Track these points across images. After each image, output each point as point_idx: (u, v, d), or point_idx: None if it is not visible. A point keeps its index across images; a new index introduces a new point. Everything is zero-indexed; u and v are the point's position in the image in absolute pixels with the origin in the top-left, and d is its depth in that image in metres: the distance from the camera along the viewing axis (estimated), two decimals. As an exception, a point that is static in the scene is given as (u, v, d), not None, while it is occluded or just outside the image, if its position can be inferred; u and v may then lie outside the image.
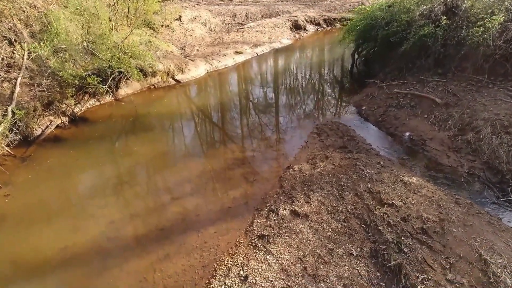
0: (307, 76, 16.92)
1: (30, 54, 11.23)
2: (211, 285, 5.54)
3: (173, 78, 14.83)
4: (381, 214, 6.84)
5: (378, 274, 5.70)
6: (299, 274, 5.63)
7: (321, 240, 6.31)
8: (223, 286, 5.48)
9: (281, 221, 6.77)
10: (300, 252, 6.06)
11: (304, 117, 11.94)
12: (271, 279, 5.53)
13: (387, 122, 10.91)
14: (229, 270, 5.77)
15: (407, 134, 10.17)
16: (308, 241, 6.30)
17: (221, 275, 5.71)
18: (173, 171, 9.03)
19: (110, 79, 12.38)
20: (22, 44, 11.19)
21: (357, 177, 8.01)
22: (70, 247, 6.47)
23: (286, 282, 5.47)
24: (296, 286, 5.43)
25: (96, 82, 11.03)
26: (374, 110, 11.71)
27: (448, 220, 6.45)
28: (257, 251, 6.11)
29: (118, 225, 6.98)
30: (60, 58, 10.94)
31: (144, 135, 10.81)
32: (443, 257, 5.82)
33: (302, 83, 16.05)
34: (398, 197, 7.23)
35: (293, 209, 7.06)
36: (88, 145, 10.04)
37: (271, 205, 7.26)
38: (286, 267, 5.76)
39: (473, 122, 9.54)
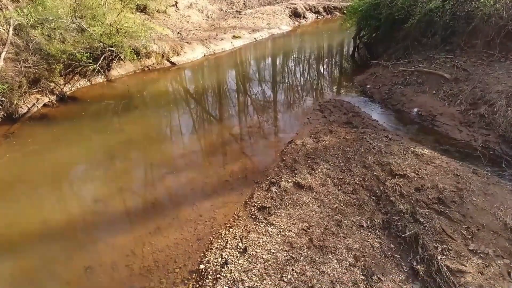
0: (308, 60, 16.34)
1: (16, 29, 10.57)
2: (206, 258, 4.93)
3: (168, 60, 14.20)
4: (392, 185, 6.25)
5: (392, 246, 5.10)
6: (305, 245, 5.03)
7: (328, 212, 5.71)
8: (220, 259, 4.87)
9: (283, 193, 6.16)
10: (305, 224, 5.46)
11: (305, 96, 11.37)
12: (273, 251, 4.93)
13: (393, 99, 10.33)
14: (227, 242, 5.16)
15: (415, 110, 9.58)
16: (314, 213, 5.70)
17: (217, 247, 5.10)
18: (166, 147, 8.43)
19: (101, 58, 11.76)
20: (7, 18, 10.54)
21: (365, 149, 7.42)
22: (51, 222, 5.85)
23: (290, 254, 4.87)
24: (302, 257, 4.82)
25: (85, 57, 10.39)
26: (379, 88, 11.13)
27: (467, 189, 5.86)
28: (258, 223, 5.50)
29: (105, 199, 6.37)
30: (46, 28, 10.28)
31: (137, 114, 10.21)
32: (464, 227, 5.23)
33: (302, 65, 15.48)
34: (410, 167, 6.64)
35: (296, 181, 6.46)
36: (76, 123, 9.44)
37: (272, 178, 6.66)
38: (290, 238, 5.15)
39: (486, 95, 8.96)
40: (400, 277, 4.63)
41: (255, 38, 17.84)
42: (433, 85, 10.32)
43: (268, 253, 4.93)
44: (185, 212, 5.98)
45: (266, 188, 6.41)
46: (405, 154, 7.10)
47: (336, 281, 4.51)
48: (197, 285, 4.56)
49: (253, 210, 5.84)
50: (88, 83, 11.81)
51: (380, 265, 4.77)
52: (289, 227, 5.42)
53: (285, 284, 4.43)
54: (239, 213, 5.84)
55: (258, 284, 4.44)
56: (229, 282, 4.49)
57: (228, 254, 4.96)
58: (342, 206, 5.86)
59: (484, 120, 8.55)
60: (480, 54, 10.68)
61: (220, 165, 7.30)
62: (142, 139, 8.72)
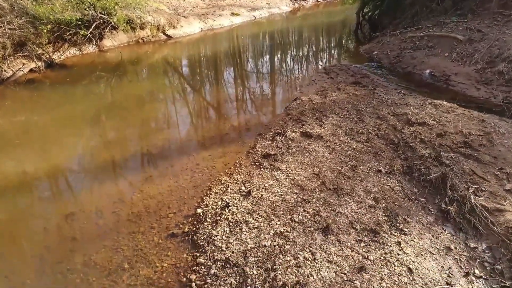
0: (310, 35, 15.68)
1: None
2: (204, 203, 4.27)
3: (163, 33, 13.53)
4: (411, 132, 5.61)
5: (415, 190, 4.47)
6: (317, 188, 4.37)
7: (341, 158, 5.06)
8: (220, 202, 4.21)
9: (290, 142, 5.51)
10: (315, 169, 4.81)
11: (308, 63, 10.70)
12: (281, 194, 4.28)
13: (403, 63, 9.69)
14: (227, 187, 4.51)
15: (428, 71, 8.94)
16: (325, 159, 5.05)
17: (217, 193, 4.45)
18: (160, 105, 7.76)
19: (93, 26, 11.05)
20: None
21: (377, 102, 6.78)
22: (31, 173, 5.17)
23: (301, 196, 4.21)
24: (314, 199, 4.16)
25: (75, 19, 9.70)
26: (387, 54, 10.49)
27: (495, 133, 5.24)
28: (262, 169, 4.85)
29: (91, 152, 5.74)
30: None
31: (130, 83, 9.51)
32: (496, 168, 4.61)
33: (305, 39, 14.81)
34: (429, 116, 6.01)
35: (303, 131, 5.81)
36: (64, 88, 8.81)
37: (277, 130, 6.01)
38: (300, 182, 4.50)
39: (504, 52, 8.34)
40: (428, 219, 3.99)
41: (254, 17, 17.20)
42: (445, 48, 9.69)
43: (275, 195, 4.28)
44: (181, 162, 5.32)
45: (271, 138, 5.76)
46: (422, 105, 6.47)
47: (355, 221, 3.86)
48: (194, 229, 3.90)
49: (256, 158, 5.19)
50: (79, 52, 11.13)
51: (404, 208, 4.13)
52: (298, 171, 4.77)
53: (296, 225, 3.78)
54: (241, 161, 5.18)
55: (265, 225, 3.78)
56: (231, 224, 3.84)
57: (229, 197, 4.31)
58: (356, 153, 5.22)
59: (503, 77, 7.94)
60: (495, 15, 10.08)
61: (219, 121, 6.66)
62: (135, 101, 8.08)
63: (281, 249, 3.48)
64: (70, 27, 10.09)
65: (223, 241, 3.65)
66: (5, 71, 9.08)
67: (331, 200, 4.22)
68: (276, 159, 5.10)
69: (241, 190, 4.45)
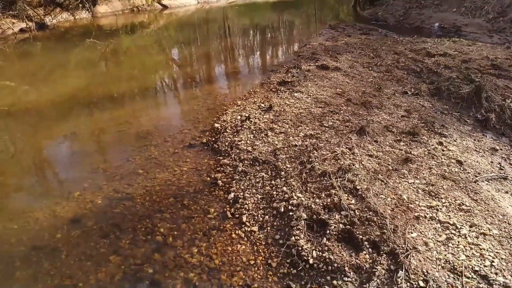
0: (314, 7, 15.35)
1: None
2: (222, 119, 3.87)
3: (159, 2, 13.02)
4: (433, 62, 5.31)
5: (447, 106, 4.15)
6: (342, 104, 4.02)
7: (362, 83, 4.73)
8: (239, 117, 3.82)
9: (307, 73, 5.15)
10: (338, 90, 4.46)
11: (313, 23, 10.34)
12: (305, 108, 3.90)
13: (410, 19, 9.43)
14: (245, 107, 4.13)
15: (437, 24, 8.69)
16: (346, 83, 4.70)
17: (234, 111, 4.07)
18: (164, 56, 7.29)
19: (85, -10, 10.49)
20: None
21: (392, 42, 6.47)
22: (18, 104, 4.69)
23: (327, 109, 3.85)
24: (342, 111, 3.82)
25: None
26: (392, 13, 10.21)
27: (523, 55, 4.93)
28: (280, 93, 4.49)
29: (90, 88, 5.25)
30: None
31: (126, 44, 9.01)
32: (531, 82, 4.28)
33: (308, 9, 14.46)
34: (450, 49, 5.73)
35: (319, 65, 5.45)
36: (56, 44, 8.23)
37: (290, 65, 5.64)
38: (323, 99, 4.15)
39: (515, 1, 8.08)
40: (465, 128, 3.68)
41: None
42: (453, 4, 9.45)
43: (299, 109, 3.92)
44: (190, 92, 4.96)
45: (285, 71, 5.40)
46: (439, 42, 6.19)
47: (390, 126, 3.51)
48: (213, 139, 3.50)
49: (272, 86, 4.81)
50: (72, 17, 10.55)
51: (439, 119, 3.81)
52: (319, 92, 4.41)
53: (327, 128, 3.42)
54: (255, 89, 4.81)
55: (293, 130, 3.41)
56: (254, 132, 3.46)
57: (249, 112, 3.91)
58: (377, 80, 4.89)
59: (516, 24, 7.67)
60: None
61: (228, 64, 6.23)
62: (137, 52, 7.58)
63: (314, 146, 3.11)
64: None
65: (248, 144, 3.26)
66: (-7, 28, 8.48)
67: (360, 112, 3.87)
68: (293, 85, 4.73)
69: (260, 107, 4.07)
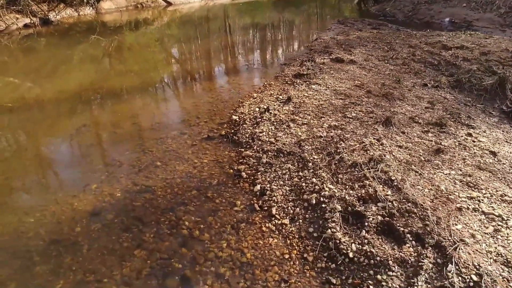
0: (314, 8, 15.23)
1: None
2: (239, 111, 3.73)
3: (163, -1, 12.85)
4: (450, 54, 5.18)
5: (469, 98, 4.00)
6: (363, 95, 3.89)
7: (380, 76, 4.60)
8: (258, 109, 3.69)
9: (322, 66, 5.02)
10: (356, 82, 4.33)
11: (318, 18, 10.20)
12: (325, 99, 3.77)
13: (419, 14, 9.30)
14: (261, 99, 4.00)
15: (447, 19, 8.55)
16: (364, 75, 4.57)
17: (251, 104, 3.93)
18: (179, 42, 7.16)
19: (89, -14, 10.37)
20: None
21: (406, 36, 6.35)
22: (25, 99, 4.56)
23: (348, 101, 3.72)
24: (364, 102, 3.68)
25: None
26: (400, 9, 10.09)
27: (544, 47, 4.80)
28: (297, 85, 4.36)
29: (96, 83, 5.11)
30: None
31: (131, 40, 8.87)
32: (555, 74, 4.14)
33: (310, 11, 14.33)
34: (467, 42, 5.59)
35: (333, 58, 5.32)
36: (60, 40, 8.10)
37: (304, 59, 5.50)
38: (343, 91, 4.01)
39: (527, -5, 7.96)
40: (492, 120, 3.56)
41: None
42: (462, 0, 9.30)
43: (319, 101, 3.78)
44: (203, 85, 4.82)
45: (298, 64, 5.26)
46: (455, 35, 6.06)
47: (416, 117, 3.38)
48: (232, 131, 3.36)
49: (287, 78, 4.68)
50: (76, 14, 10.41)
51: (463, 110, 3.68)
52: (338, 84, 4.28)
53: (351, 120, 3.28)
54: (270, 82, 4.68)
55: (315, 121, 3.27)
56: (275, 123, 3.33)
57: (267, 105, 3.77)
58: (395, 73, 4.75)
59: (529, 18, 7.54)
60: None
61: (237, 57, 6.12)
62: (142, 49, 7.43)
63: (341, 137, 2.98)
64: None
65: (270, 136, 3.13)
66: (-4, 23, 8.35)
67: (382, 103, 3.74)
68: (310, 77, 4.59)
69: (278, 99, 3.94)
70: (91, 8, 10.63)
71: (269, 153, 2.90)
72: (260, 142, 3.07)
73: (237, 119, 3.60)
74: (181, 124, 3.69)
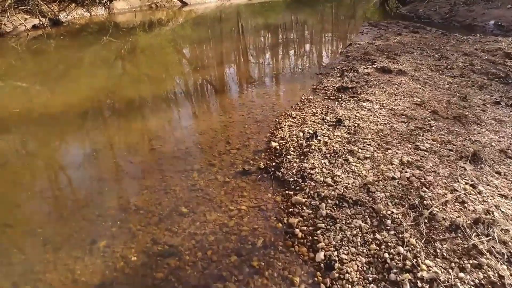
0: (329, 9, 14.46)
1: None
2: (278, 136, 3.04)
3: (179, -1, 12.26)
4: (519, 65, 4.34)
5: (559, 121, 3.19)
6: (428, 117, 3.15)
7: (440, 91, 3.84)
8: (302, 134, 2.99)
9: (367, 77, 4.28)
10: (415, 99, 3.58)
11: (348, 22, 9.45)
12: (384, 122, 3.04)
13: (458, 16, 8.44)
14: (304, 120, 3.29)
15: (492, 22, 7.69)
16: (421, 90, 3.82)
17: (291, 125, 3.23)
18: (189, 58, 6.53)
19: (102, -15, 9.83)
20: None
21: (456, 42, 5.55)
22: (30, 108, 3.96)
23: (414, 125, 3.00)
24: (433, 128, 2.98)
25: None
26: (436, 10, 9.25)
27: None
28: (343, 102, 3.63)
29: (108, 92, 4.49)
30: None
31: (145, 43, 8.28)
32: None
33: (327, 11, 13.57)
34: (534, 49, 4.73)
35: (379, 67, 4.58)
36: (70, 43, 7.58)
37: (343, 67, 4.77)
38: (402, 111, 3.27)
39: None
40: None
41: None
42: (506, 0, 8.41)
43: (376, 124, 3.04)
44: (230, 98, 4.14)
45: (338, 75, 4.54)
46: (516, 41, 5.20)
47: (507, 149, 2.61)
48: (273, 164, 2.67)
49: (329, 93, 3.96)
50: (87, 14, 9.90)
51: (560, 139, 2.88)
52: (393, 102, 3.53)
53: (426, 153, 2.55)
54: (308, 97, 3.97)
55: (381, 154, 2.55)
56: (328, 155, 2.61)
57: (313, 128, 3.06)
58: (456, 87, 3.99)
59: None
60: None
61: (264, 64, 5.43)
62: (157, 52, 6.82)
63: (421, 181, 2.25)
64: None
65: (325, 174, 2.41)
66: (4, 24, 7.85)
67: (457, 129, 2.99)
68: (356, 92, 3.87)
69: (325, 120, 3.22)
70: (103, 8, 10.11)
71: (329, 200, 2.19)
72: (313, 183, 2.37)
73: (278, 147, 2.91)
74: (208, 151, 3.02)
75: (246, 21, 10.81)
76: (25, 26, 7.86)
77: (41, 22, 8.25)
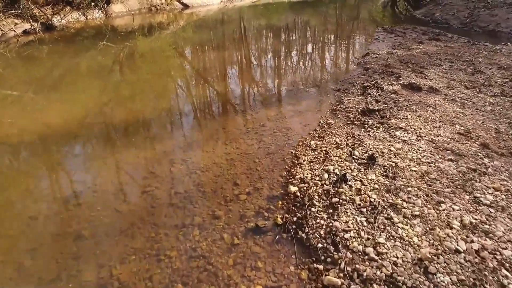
0: (333, 10, 13.88)
1: None
2: (297, 177, 2.47)
3: (180, 1, 11.71)
4: None
5: None
6: (479, 153, 2.57)
7: (483, 115, 3.24)
8: (326, 175, 2.42)
9: (393, 96, 3.68)
10: (457, 127, 2.99)
11: (360, 28, 8.87)
12: (427, 161, 2.45)
13: (480, 21, 7.83)
14: (326, 154, 2.70)
15: (518, 28, 7.04)
16: (462, 115, 3.23)
17: (311, 161, 2.65)
18: (188, 67, 5.96)
19: (99, -13, 9.28)
20: None
21: (488, 52, 4.94)
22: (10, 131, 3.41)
23: (464, 165, 2.40)
24: (490, 169, 2.39)
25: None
26: (454, 14, 8.63)
27: None
28: (370, 129, 3.04)
29: (99, 110, 3.93)
30: None
31: (144, 48, 7.72)
32: None
33: (330, 13, 12.99)
34: None
35: (406, 84, 3.98)
36: (65, 48, 7.04)
37: (364, 83, 4.18)
38: (446, 144, 2.68)
39: None
40: None
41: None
42: (532, 3, 7.79)
43: (418, 163, 2.45)
44: (235, 122, 3.54)
45: (360, 93, 3.95)
46: (558, 53, 4.59)
47: None
48: (294, 219, 2.09)
49: (352, 116, 3.36)
50: (83, 17, 9.36)
51: None
52: (431, 131, 2.93)
53: (492, 210, 1.98)
54: (328, 120, 3.37)
55: (432, 211, 1.98)
56: (365, 210, 2.03)
57: (340, 167, 2.47)
58: (500, 109, 3.38)
59: None
60: None
61: (272, 76, 4.85)
62: (156, 59, 6.26)
63: (497, 258, 1.65)
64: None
65: (364, 241, 1.83)
66: (-8, 30, 7.30)
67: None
68: (385, 116, 3.28)
69: (354, 156, 2.63)
70: (100, 11, 9.56)
71: (374, 285, 1.60)
72: (349, 254, 1.78)
73: (298, 193, 2.33)
74: (212, 196, 2.44)
75: (249, 24, 10.25)
76: (14, 31, 7.28)
77: (32, 27, 7.71)
